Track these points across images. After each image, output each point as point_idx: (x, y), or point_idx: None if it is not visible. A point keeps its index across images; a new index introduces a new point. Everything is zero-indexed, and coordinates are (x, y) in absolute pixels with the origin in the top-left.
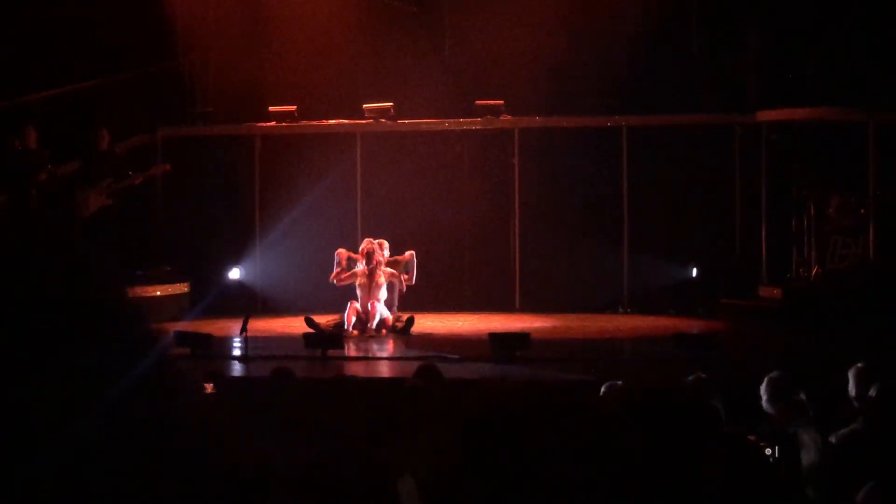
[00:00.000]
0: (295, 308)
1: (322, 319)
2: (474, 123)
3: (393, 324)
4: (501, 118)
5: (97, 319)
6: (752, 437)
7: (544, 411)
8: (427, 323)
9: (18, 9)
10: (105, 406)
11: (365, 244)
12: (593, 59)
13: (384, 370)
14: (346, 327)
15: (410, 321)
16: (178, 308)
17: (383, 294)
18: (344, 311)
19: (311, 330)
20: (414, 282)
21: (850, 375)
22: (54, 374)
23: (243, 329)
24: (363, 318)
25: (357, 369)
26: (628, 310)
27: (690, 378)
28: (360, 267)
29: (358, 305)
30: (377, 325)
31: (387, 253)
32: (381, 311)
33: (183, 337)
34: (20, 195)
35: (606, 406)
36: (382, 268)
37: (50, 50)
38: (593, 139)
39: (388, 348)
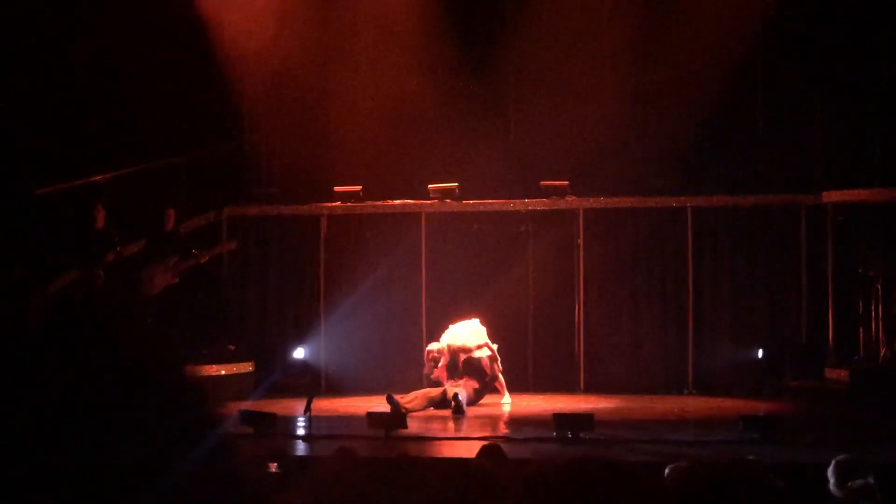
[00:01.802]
0: (359, 388)
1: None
2: (539, 204)
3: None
4: (566, 198)
5: (160, 399)
6: None
7: (608, 491)
8: (492, 402)
9: (86, 90)
10: (170, 484)
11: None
12: (658, 139)
13: (448, 450)
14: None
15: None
16: (242, 387)
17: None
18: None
19: (387, 406)
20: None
21: None
22: (120, 452)
23: (307, 408)
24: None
25: (421, 449)
26: (694, 391)
27: (751, 458)
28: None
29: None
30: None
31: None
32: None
33: (247, 416)
34: (88, 274)
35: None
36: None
37: (117, 130)
38: (658, 219)
39: (451, 428)
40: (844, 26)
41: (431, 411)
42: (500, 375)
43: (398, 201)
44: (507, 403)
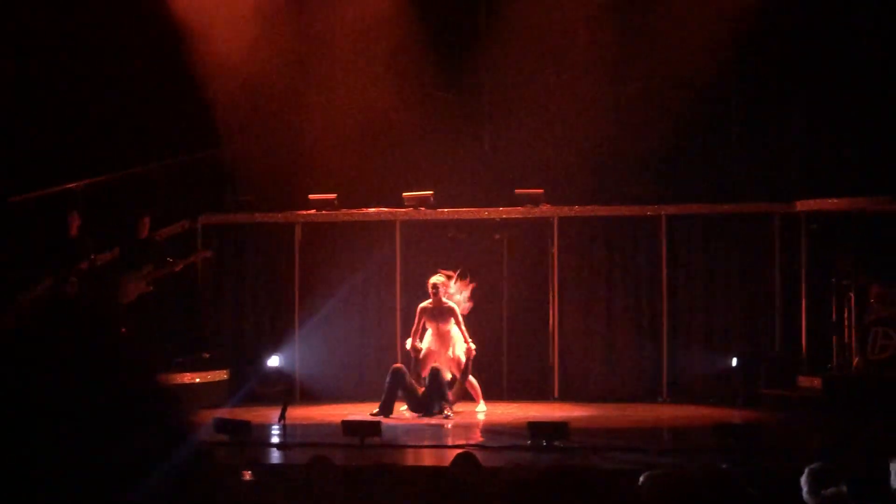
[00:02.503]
0: (334, 396)
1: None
2: (514, 212)
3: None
4: (541, 207)
5: (134, 408)
6: None
7: (583, 499)
8: (465, 411)
9: (61, 97)
10: (143, 494)
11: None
12: (633, 148)
13: (423, 458)
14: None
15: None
16: (217, 395)
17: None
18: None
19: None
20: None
21: (892, 467)
22: (91, 461)
23: (282, 416)
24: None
25: (396, 457)
26: (668, 399)
27: (724, 467)
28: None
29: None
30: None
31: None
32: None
33: (222, 424)
34: (61, 283)
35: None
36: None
37: (92, 137)
38: (632, 228)
39: (427, 436)
40: (818, 36)
41: (415, 419)
42: (475, 381)
43: (373, 209)
44: (481, 412)
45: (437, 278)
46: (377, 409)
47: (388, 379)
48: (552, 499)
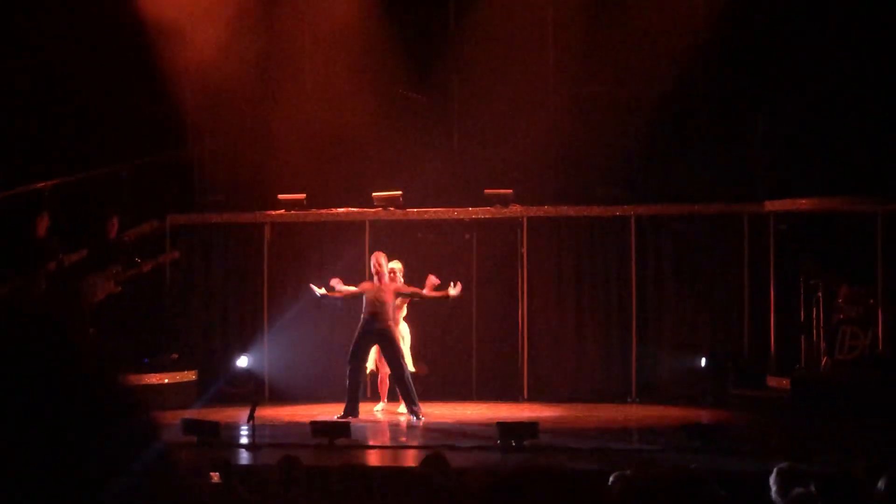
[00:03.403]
0: (302, 396)
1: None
2: (483, 212)
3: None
4: (510, 207)
5: (97, 408)
6: None
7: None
8: (435, 411)
9: (28, 97)
10: (108, 496)
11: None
12: (602, 149)
13: (392, 458)
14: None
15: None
16: (186, 396)
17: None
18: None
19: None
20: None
21: (859, 468)
22: (53, 464)
23: (251, 417)
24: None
25: (365, 458)
26: (637, 399)
27: (693, 466)
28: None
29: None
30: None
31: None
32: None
33: (190, 425)
34: (28, 283)
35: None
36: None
37: (59, 138)
38: (602, 228)
39: (396, 436)
40: (784, 36)
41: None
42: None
43: (342, 209)
44: (378, 411)
45: (395, 263)
46: (342, 413)
47: (347, 381)
48: (522, 499)
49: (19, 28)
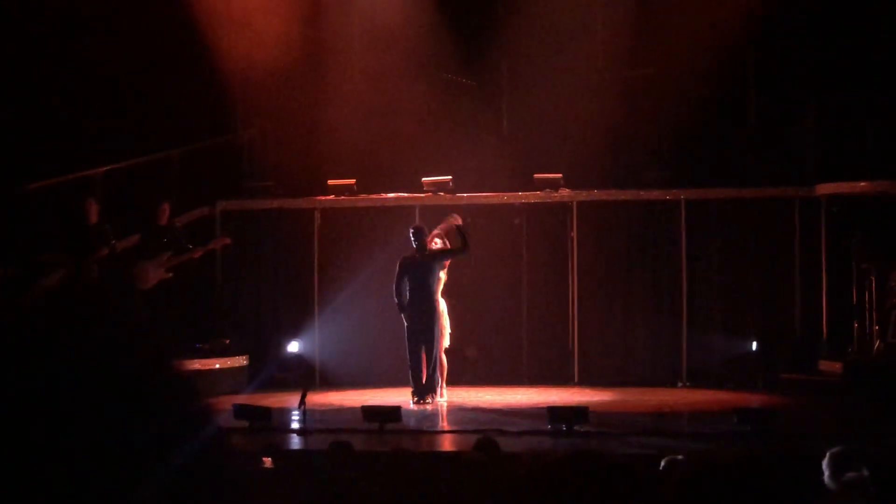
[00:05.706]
0: (353, 381)
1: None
2: (532, 197)
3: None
4: (560, 191)
5: (149, 393)
6: None
7: (603, 485)
8: (485, 396)
9: (80, 84)
10: (157, 482)
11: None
12: (652, 132)
13: (442, 443)
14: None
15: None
16: (237, 381)
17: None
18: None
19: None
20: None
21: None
22: (105, 449)
23: (301, 402)
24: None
25: (415, 443)
26: (687, 384)
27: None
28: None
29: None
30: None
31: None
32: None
33: (241, 410)
34: (82, 269)
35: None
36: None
37: (111, 124)
38: (652, 212)
39: (446, 422)
40: (837, 18)
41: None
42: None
43: (392, 195)
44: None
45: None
46: (415, 395)
47: (409, 363)
48: (572, 484)
49: (72, 17)
